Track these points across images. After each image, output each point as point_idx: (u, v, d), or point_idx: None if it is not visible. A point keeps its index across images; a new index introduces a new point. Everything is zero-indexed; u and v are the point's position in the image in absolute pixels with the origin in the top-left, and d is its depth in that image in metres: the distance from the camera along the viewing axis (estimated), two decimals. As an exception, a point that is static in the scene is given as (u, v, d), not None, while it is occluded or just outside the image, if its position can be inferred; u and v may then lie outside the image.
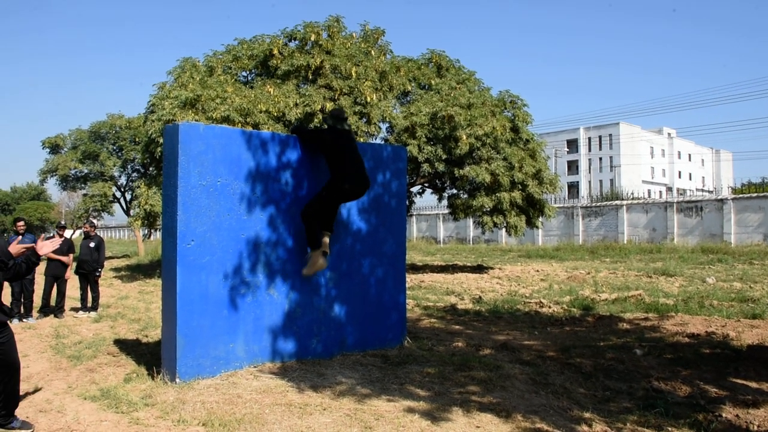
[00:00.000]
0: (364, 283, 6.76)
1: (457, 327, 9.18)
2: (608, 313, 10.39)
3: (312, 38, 17.57)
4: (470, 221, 35.08)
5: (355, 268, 6.68)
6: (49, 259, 10.89)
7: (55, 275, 10.94)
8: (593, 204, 35.25)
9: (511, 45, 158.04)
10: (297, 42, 18.32)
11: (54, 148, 33.49)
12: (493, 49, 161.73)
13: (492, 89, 20.60)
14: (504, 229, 20.04)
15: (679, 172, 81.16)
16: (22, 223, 10.46)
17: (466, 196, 19.57)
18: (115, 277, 19.84)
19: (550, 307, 11.36)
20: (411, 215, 33.11)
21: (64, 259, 10.93)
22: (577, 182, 75.10)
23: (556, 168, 64.39)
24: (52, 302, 11.11)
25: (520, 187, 18.35)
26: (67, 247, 11.10)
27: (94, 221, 13.54)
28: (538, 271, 19.54)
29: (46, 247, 4.53)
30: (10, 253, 4.51)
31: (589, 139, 75.87)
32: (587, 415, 4.78)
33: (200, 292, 5.54)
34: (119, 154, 32.41)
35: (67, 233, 13.12)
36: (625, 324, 9.13)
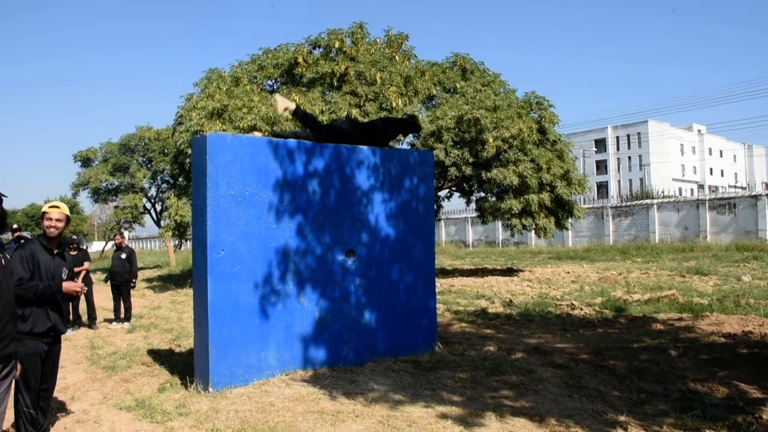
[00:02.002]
0: (394, 289, 6.75)
1: (489, 331, 9.11)
2: (641, 314, 10.22)
3: (336, 45, 17.69)
4: (499, 224, 34.79)
5: (384, 275, 6.68)
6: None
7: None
8: (623, 204, 34.74)
9: (536, 45, 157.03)
10: (321, 49, 18.46)
11: (85, 161, 34.18)
12: (518, 51, 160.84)
13: (517, 91, 20.49)
14: (533, 231, 19.83)
15: (711, 169, 79.52)
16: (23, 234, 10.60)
17: (494, 198, 19.43)
18: (147, 287, 20.17)
19: (581, 309, 11.22)
20: (439, 219, 32.99)
21: (81, 268, 10.93)
22: (606, 182, 74.09)
23: (584, 168, 63.67)
24: (82, 315, 11.29)
25: (548, 188, 18.17)
26: (81, 260, 11.15)
27: (124, 231, 13.78)
28: (568, 272, 19.31)
29: (70, 287, 4.55)
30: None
31: (617, 138, 74.84)
32: (622, 418, 4.70)
33: (231, 301, 5.59)
34: (149, 165, 32.94)
35: (96, 245, 13.27)
36: (658, 325, 8.96)
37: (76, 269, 10.97)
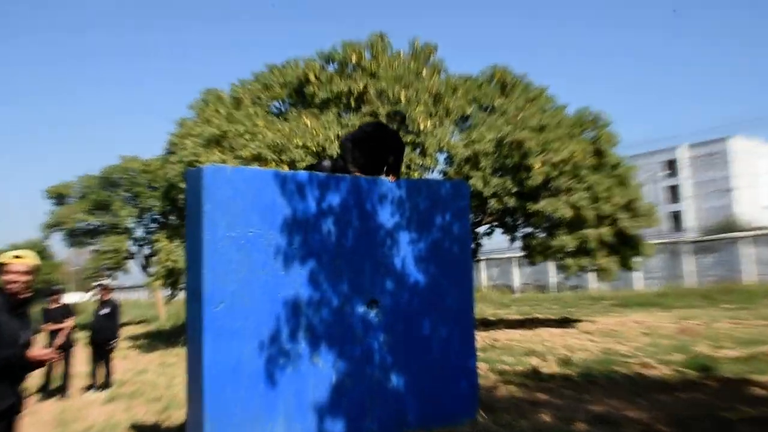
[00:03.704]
0: (426, 345, 6.72)
1: (542, 396, 8.99)
2: (735, 374, 9.98)
3: (353, 59, 17.98)
4: (550, 265, 34.53)
5: (413, 329, 6.66)
6: (50, 331, 11.15)
7: (58, 345, 11.11)
8: (703, 238, 34.30)
9: (588, 51, 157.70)
10: (335, 64, 18.76)
11: (59, 198, 34.46)
12: (567, 60, 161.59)
13: (568, 107, 20.52)
14: (592, 273, 19.64)
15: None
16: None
17: (543, 234, 19.32)
18: (131, 347, 20.27)
19: (656, 368, 11.03)
20: (479, 260, 32.87)
21: (63, 325, 11.07)
22: (680, 212, 73.21)
23: (652, 196, 63.13)
24: (52, 381, 11.34)
25: (608, 221, 18.06)
26: (62, 314, 11.30)
27: (108, 283, 13.95)
28: (638, 322, 19.01)
29: (39, 354, 4.45)
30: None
31: (693, 159, 74.17)
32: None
33: (231, 363, 5.62)
34: (135, 202, 33.30)
35: (73, 296, 13.44)
36: (758, 389, 8.75)
37: (54, 326, 11.10)
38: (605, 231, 17.82)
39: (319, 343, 6.11)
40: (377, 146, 6.87)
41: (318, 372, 6.09)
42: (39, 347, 4.50)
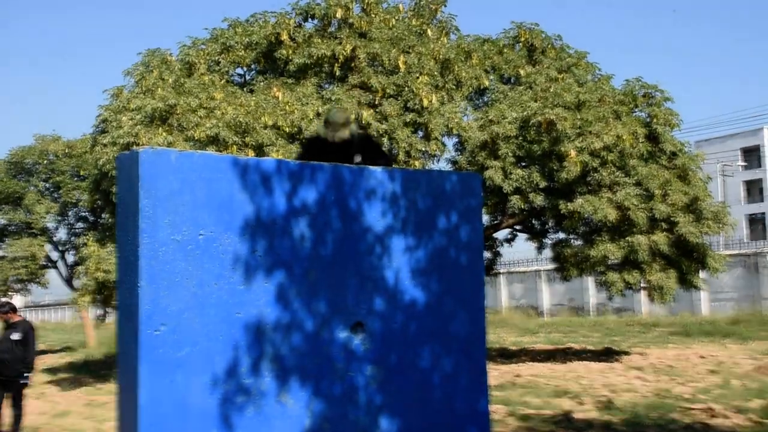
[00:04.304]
0: (424, 382, 6.75)
1: (573, 449, 9.04)
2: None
3: (338, 15, 18.06)
4: (589, 280, 34.56)
5: (409, 360, 6.68)
6: None
7: None
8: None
9: (639, 12, 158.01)
10: (316, 21, 18.84)
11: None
12: (613, 19, 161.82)
13: (614, 78, 20.64)
14: (643, 293, 19.71)
15: None
16: None
17: (579, 242, 19.42)
18: (49, 382, 20.24)
19: (727, 416, 11.09)
20: (496, 274, 32.78)
21: None
22: (764, 214, 73.20)
23: (724, 193, 63.27)
24: None
25: (664, 225, 18.15)
26: None
27: (15, 298, 13.97)
28: (703, 357, 19.10)
29: None
30: None
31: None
32: None
33: (175, 402, 5.62)
34: (55, 195, 33.22)
35: None
36: None
37: None
38: (660, 238, 17.92)
39: (289, 377, 6.12)
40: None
41: (287, 414, 6.11)
42: None
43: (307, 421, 6.20)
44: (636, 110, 19.47)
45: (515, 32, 20.62)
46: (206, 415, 5.77)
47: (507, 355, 21.42)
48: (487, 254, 22.32)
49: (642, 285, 19.00)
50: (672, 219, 18.04)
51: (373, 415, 6.49)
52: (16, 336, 11.62)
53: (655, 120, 18.84)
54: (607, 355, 20.61)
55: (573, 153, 17.13)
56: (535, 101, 17.73)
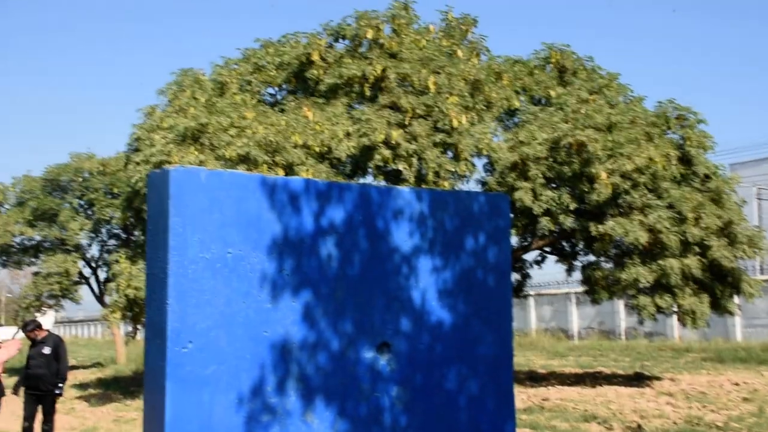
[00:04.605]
0: (450, 404, 6.73)
1: (600, 473, 8.96)
2: None
3: (368, 35, 18.15)
4: (619, 304, 34.30)
5: (435, 382, 6.67)
6: None
7: None
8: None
9: (675, 30, 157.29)
10: (347, 42, 18.97)
11: (-10, 205, 34.84)
12: (647, 40, 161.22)
13: (646, 100, 20.56)
14: (675, 317, 19.52)
15: None
16: None
17: (610, 265, 19.28)
18: (79, 396, 20.39)
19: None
20: (526, 296, 32.65)
21: None
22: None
23: (759, 217, 62.47)
24: None
25: (697, 249, 17.99)
26: None
27: (49, 313, 14.12)
28: (737, 384, 18.85)
29: None
30: None
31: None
32: None
33: (201, 420, 5.64)
34: (89, 212, 33.55)
35: (5, 332, 13.56)
36: None
37: None
38: (692, 262, 17.75)
39: (314, 396, 6.13)
40: None
41: (312, 434, 6.11)
42: None
43: (332, 441, 6.20)
44: (668, 132, 19.36)
45: (546, 53, 20.61)
46: (232, 433, 5.78)
47: (535, 378, 21.26)
48: (516, 276, 22.22)
49: (674, 309, 18.81)
50: (705, 243, 17.87)
51: (398, 436, 6.47)
52: (47, 350, 11.76)
53: (688, 142, 18.73)
54: (637, 379, 20.41)
55: (604, 175, 17.05)
56: (566, 122, 17.68)
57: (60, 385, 11.72)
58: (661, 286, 18.06)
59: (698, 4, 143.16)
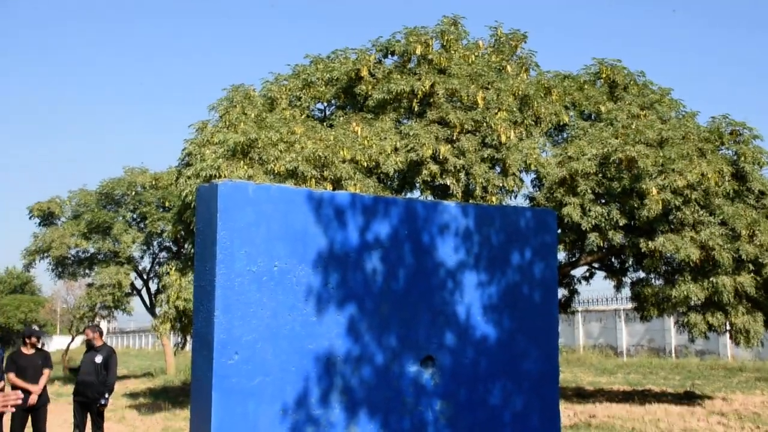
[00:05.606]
0: (495, 419, 6.70)
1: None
2: None
3: (417, 51, 18.25)
4: (669, 321, 33.88)
5: (479, 397, 6.65)
6: (13, 386, 11.39)
7: (29, 406, 11.29)
8: None
9: (728, 43, 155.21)
10: (396, 57, 19.08)
11: (46, 217, 35.28)
12: (700, 53, 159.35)
13: (699, 115, 20.35)
14: (728, 335, 19.23)
15: None
16: None
17: (660, 281, 19.09)
18: (129, 406, 20.67)
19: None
20: (573, 312, 32.42)
21: (33, 387, 11.31)
22: None
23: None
24: None
25: (751, 267, 17.74)
26: (42, 360, 11.63)
27: (102, 324, 14.42)
28: (794, 405, 18.54)
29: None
30: None
31: None
32: None
33: (246, 430, 5.70)
34: (141, 225, 34.09)
35: (57, 341, 13.85)
36: None
37: (21, 383, 11.26)
38: (746, 279, 17.51)
39: (358, 410, 6.15)
40: None
41: (356, 447, 6.13)
42: None
43: (376, 454, 6.21)
44: (722, 148, 19.16)
45: (596, 68, 20.53)
46: (276, 444, 5.83)
47: (583, 395, 21.06)
48: (563, 292, 22.09)
49: (726, 328, 18.57)
50: (760, 260, 17.62)
51: (442, 451, 6.46)
52: (98, 359, 11.97)
53: (742, 158, 18.49)
54: (688, 398, 20.13)
55: (654, 191, 16.91)
56: (616, 138, 17.58)
57: (106, 395, 11.90)
58: (712, 303, 17.85)
59: (753, 17, 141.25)
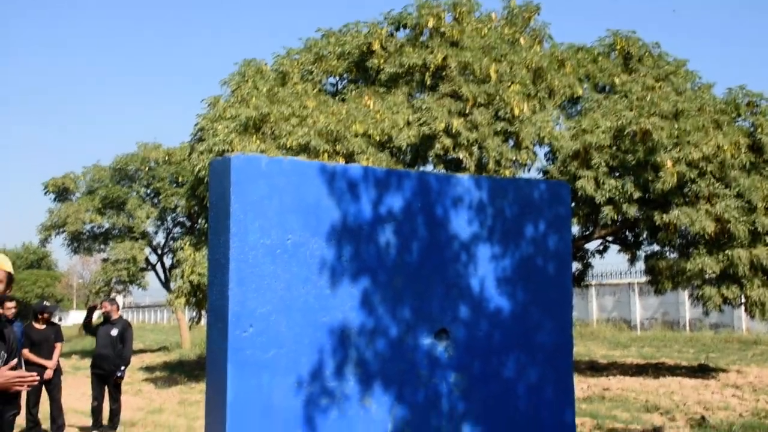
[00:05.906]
0: (509, 392, 6.71)
1: (662, 465, 8.88)
2: None
3: (430, 24, 18.15)
4: (684, 295, 33.81)
5: (493, 369, 6.66)
6: (27, 361, 11.47)
7: (44, 380, 11.33)
8: None
9: (745, 13, 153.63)
10: (408, 30, 18.99)
11: (61, 193, 35.51)
12: (715, 24, 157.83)
13: (715, 86, 20.20)
14: (742, 308, 19.18)
15: None
16: (13, 303, 10.83)
17: (674, 255, 19.03)
18: (145, 379, 20.85)
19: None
20: (587, 286, 32.33)
21: (48, 363, 11.38)
22: None
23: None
24: (44, 419, 11.73)
25: (767, 239, 17.65)
26: (54, 333, 11.72)
27: (118, 299, 14.54)
28: (808, 377, 18.51)
29: (7, 379, 4.54)
30: None
31: None
32: None
33: (261, 402, 5.72)
34: (155, 200, 34.23)
35: (73, 315, 14.01)
36: None
37: (34, 358, 11.31)
38: (762, 252, 17.43)
39: (372, 382, 6.17)
40: None
41: (370, 418, 6.15)
42: (9, 370, 4.62)
43: (390, 426, 6.23)
44: (738, 119, 19.01)
45: (611, 40, 20.36)
46: (291, 415, 5.85)
47: (596, 368, 21.08)
48: (577, 265, 22.05)
49: (741, 300, 18.50)
50: (776, 233, 17.54)
51: (455, 423, 6.48)
52: (114, 332, 12.09)
53: (759, 129, 18.34)
54: (702, 371, 20.11)
55: (669, 163, 16.82)
56: (631, 110, 17.47)
57: (122, 367, 12.01)
58: (727, 276, 17.78)
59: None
